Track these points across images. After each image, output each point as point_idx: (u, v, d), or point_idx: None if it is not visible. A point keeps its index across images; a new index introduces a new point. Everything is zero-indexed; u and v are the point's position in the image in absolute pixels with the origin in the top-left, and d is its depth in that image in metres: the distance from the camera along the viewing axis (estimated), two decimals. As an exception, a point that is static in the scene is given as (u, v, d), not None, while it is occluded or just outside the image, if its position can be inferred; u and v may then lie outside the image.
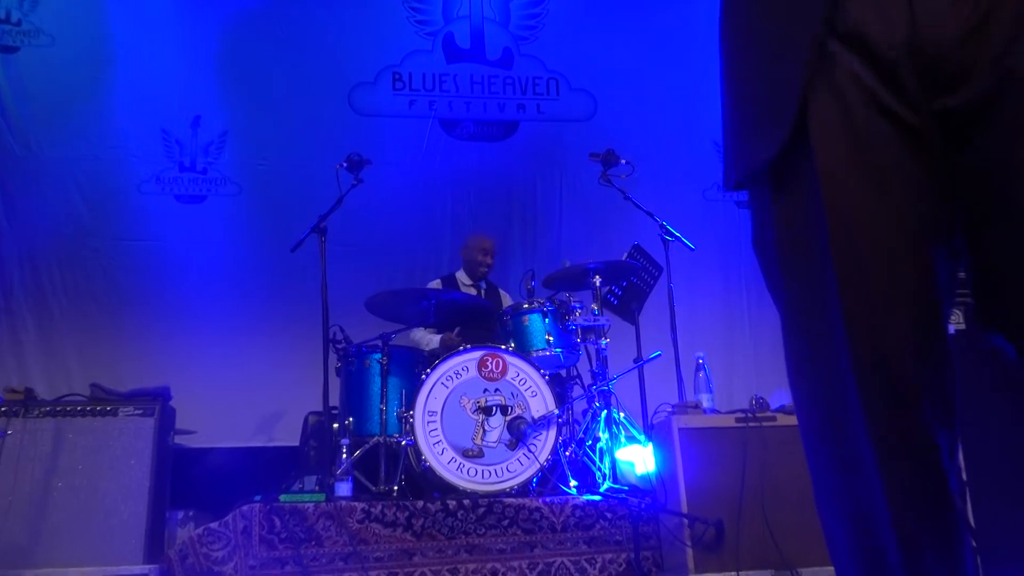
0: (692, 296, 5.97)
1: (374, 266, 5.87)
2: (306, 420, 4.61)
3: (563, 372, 4.55)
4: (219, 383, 5.42)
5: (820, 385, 1.11)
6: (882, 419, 1.05)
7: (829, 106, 1.08)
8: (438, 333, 4.79)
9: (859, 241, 1.06)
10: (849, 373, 1.06)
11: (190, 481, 4.63)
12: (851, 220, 1.06)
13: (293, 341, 5.46)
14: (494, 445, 3.79)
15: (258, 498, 3.36)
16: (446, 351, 4.24)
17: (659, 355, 4.22)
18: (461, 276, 5.25)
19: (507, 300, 5.24)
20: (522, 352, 4.06)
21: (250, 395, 5.47)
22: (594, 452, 3.88)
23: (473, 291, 5.13)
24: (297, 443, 4.63)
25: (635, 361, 4.49)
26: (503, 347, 3.99)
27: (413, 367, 4.20)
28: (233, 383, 5.45)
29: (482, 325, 4.76)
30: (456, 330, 4.71)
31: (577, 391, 4.50)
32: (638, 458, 3.75)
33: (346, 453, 3.78)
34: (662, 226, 4.60)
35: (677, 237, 4.57)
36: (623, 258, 4.52)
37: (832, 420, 1.10)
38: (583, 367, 4.49)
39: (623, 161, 4.60)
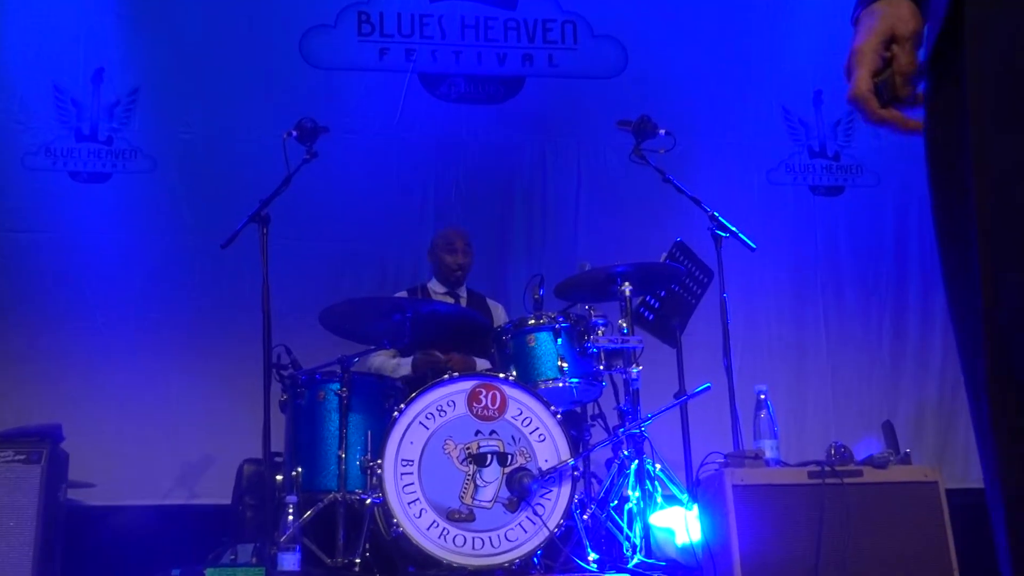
0: (752, 311, 6.00)
1: (332, 268, 5.90)
2: (241, 470, 4.61)
3: (580, 409, 4.56)
4: (126, 421, 5.44)
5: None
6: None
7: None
8: (406, 356, 4.83)
9: (998, 147, 1.26)
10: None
11: (87, 549, 4.63)
12: (992, 122, 1.27)
13: (225, 365, 5.48)
14: (489, 505, 3.78)
15: (176, 573, 3.37)
16: (427, 373, 4.25)
17: (708, 388, 4.23)
18: (434, 286, 5.28)
19: (500, 315, 5.27)
20: (527, 383, 4.07)
21: (168, 437, 5.49)
22: (621, 516, 3.89)
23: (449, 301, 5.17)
24: (228, 500, 4.63)
25: (676, 396, 4.50)
26: (502, 376, 4.02)
27: (382, 401, 4.20)
28: (145, 421, 5.47)
29: (474, 348, 4.79)
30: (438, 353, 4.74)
31: (599, 435, 4.51)
32: (679, 524, 3.75)
33: (293, 514, 3.78)
34: (713, 218, 4.61)
35: (733, 232, 4.58)
36: (661, 259, 4.53)
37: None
38: (607, 403, 4.51)
39: (661, 131, 4.61)
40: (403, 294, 5.20)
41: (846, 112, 6.40)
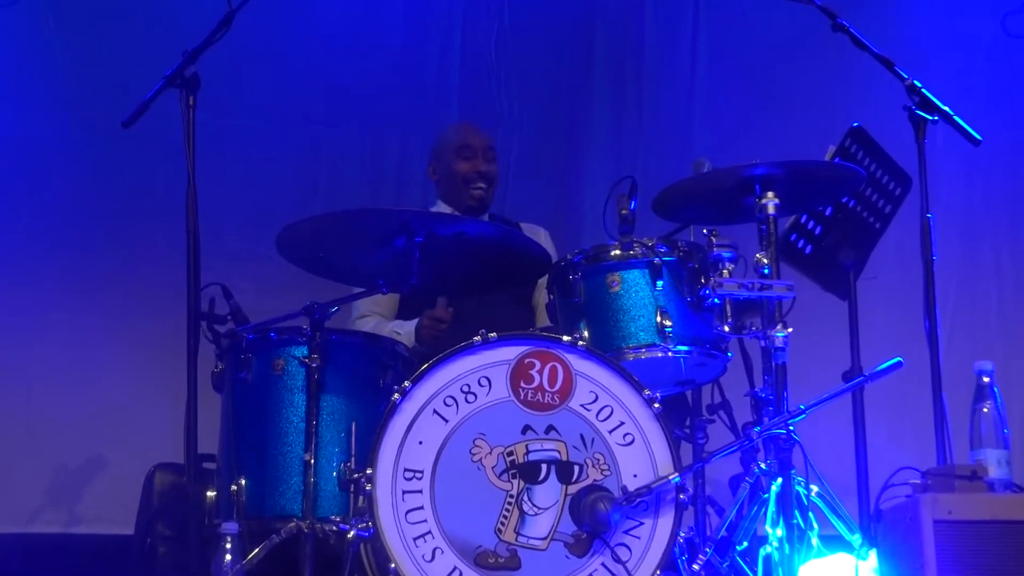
0: (973, 242, 5.96)
1: (297, 166, 5.99)
2: (149, 483, 4.68)
3: (690, 395, 4.60)
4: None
5: None
6: None
7: None
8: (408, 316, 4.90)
9: None
10: None
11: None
12: None
13: (125, 319, 5.57)
14: (542, 545, 3.81)
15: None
16: (438, 346, 4.29)
17: (899, 365, 4.22)
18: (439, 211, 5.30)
19: (551, 250, 5.25)
20: (606, 350, 4.09)
21: (33, 431, 5.61)
22: (753, 565, 3.92)
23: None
24: (130, 529, 4.72)
25: (848, 377, 4.52)
26: (565, 339, 4.04)
27: (375, 375, 4.26)
28: (0, 405, 5.60)
29: (521, 298, 4.80)
30: (445, 303, 4.81)
31: (720, 436, 4.54)
32: (846, 579, 3.79)
33: (232, 551, 3.84)
34: (913, 90, 4.57)
35: (945, 115, 4.54)
36: (827, 156, 4.53)
37: None
38: (733, 383, 4.56)
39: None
40: None
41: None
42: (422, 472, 3.82)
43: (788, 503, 3.91)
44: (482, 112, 5.49)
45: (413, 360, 4.36)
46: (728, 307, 4.16)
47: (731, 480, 4.33)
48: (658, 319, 4.18)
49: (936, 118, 4.55)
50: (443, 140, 5.41)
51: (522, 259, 4.59)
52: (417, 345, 4.78)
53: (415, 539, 3.76)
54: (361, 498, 3.87)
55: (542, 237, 5.36)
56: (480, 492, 3.83)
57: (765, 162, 4.19)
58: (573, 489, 3.86)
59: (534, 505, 3.84)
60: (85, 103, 5.69)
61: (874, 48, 4.63)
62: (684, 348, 4.19)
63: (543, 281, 4.93)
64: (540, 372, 3.94)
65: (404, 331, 4.90)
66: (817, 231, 4.74)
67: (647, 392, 3.96)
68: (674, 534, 3.86)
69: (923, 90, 4.57)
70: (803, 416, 4.03)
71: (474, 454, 3.85)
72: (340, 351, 4.27)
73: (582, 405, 3.93)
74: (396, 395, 3.87)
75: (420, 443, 3.84)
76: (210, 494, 4.19)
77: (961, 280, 5.79)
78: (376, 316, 4.94)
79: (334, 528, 4.01)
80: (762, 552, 3.90)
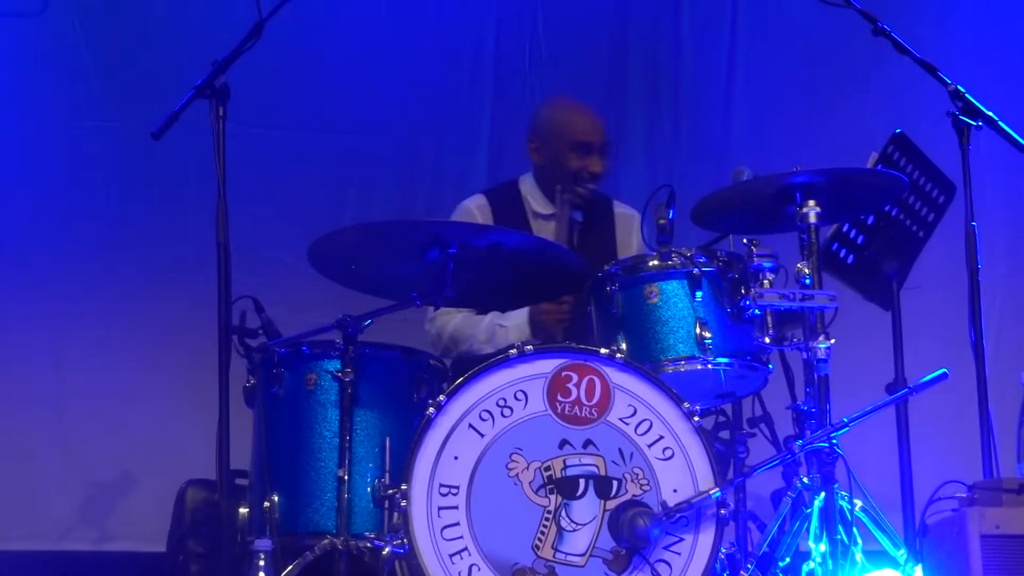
0: (1019, 251, 5.90)
1: (328, 175, 5.97)
2: (181, 499, 4.68)
3: (731, 408, 4.57)
4: (1, 422, 5.57)
5: None
6: None
7: None
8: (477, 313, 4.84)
9: None
10: None
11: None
12: None
13: (155, 332, 5.57)
14: (581, 561, 3.79)
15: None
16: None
17: (944, 377, 4.18)
18: (529, 191, 5.26)
19: (630, 234, 5.23)
20: (644, 363, 4.07)
21: (64, 447, 5.61)
22: (797, 581, 3.89)
23: (553, 231, 5.09)
24: (162, 546, 4.71)
25: (891, 389, 4.48)
26: (603, 352, 4.01)
27: (409, 390, 4.25)
28: (27, 421, 5.60)
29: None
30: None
31: (761, 450, 4.51)
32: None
33: (265, 569, 3.83)
34: (957, 95, 4.54)
35: (990, 121, 4.51)
36: (869, 163, 4.50)
37: None
38: (775, 396, 4.53)
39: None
40: (471, 207, 5.19)
41: None
42: (458, 488, 3.80)
43: (831, 518, 3.88)
44: (516, 120, 5.44)
45: (448, 374, 4.33)
46: (769, 318, 4.13)
47: (773, 495, 4.29)
48: (697, 331, 4.15)
49: (980, 124, 4.52)
50: (554, 124, 5.20)
51: (561, 270, 4.54)
52: (530, 336, 4.71)
53: (451, 556, 3.75)
54: (396, 514, 3.86)
55: (633, 224, 5.27)
56: (517, 508, 3.81)
57: (806, 170, 4.16)
58: (612, 504, 3.84)
59: (572, 521, 3.82)
60: (114, 114, 5.70)
61: (916, 53, 4.60)
62: (724, 360, 4.16)
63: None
64: (577, 385, 3.92)
65: (512, 323, 4.82)
66: (859, 240, 4.71)
67: (687, 405, 3.93)
68: (715, 550, 3.84)
69: (967, 95, 4.53)
70: (846, 429, 4.00)
71: (511, 469, 3.83)
72: (374, 365, 4.26)
73: (620, 419, 3.91)
74: (431, 409, 3.85)
75: (456, 458, 3.82)
76: (243, 511, 4.18)
77: (1007, 289, 5.76)
78: (464, 311, 4.85)
79: (368, 545, 4.00)
80: (805, 568, 3.87)
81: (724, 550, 3.90)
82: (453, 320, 4.88)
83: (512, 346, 3.97)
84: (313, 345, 4.28)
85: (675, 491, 3.86)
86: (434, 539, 3.75)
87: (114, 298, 5.73)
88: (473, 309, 4.83)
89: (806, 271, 4.11)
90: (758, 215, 4.33)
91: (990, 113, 4.52)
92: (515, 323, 4.80)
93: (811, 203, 4.14)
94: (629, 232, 5.23)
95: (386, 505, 3.96)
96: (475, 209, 5.13)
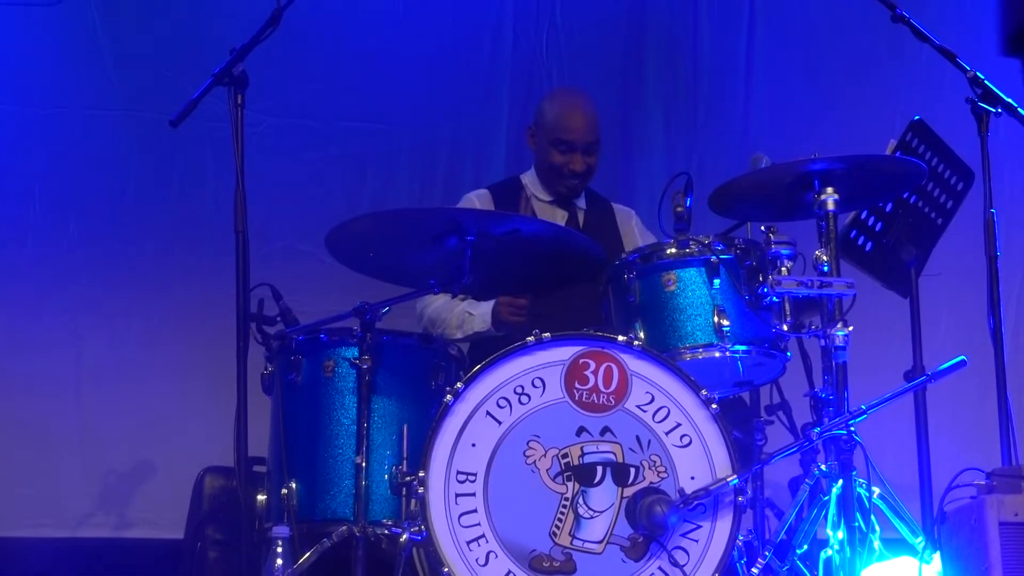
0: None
1: (346, 163, 5.97)
2: (199, 486, 4.70)
3: (749, 395, 4.58)
4: (14, 407, 5.60)
5: None
6: None
7: None
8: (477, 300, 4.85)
9: None
10: None
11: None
12: None
13: (173, 319, 5.59)
14: (598, 548, 3.80)
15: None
16: (515, 331, 4.28)
17: (963, 364, 4.19)
18: (529, 180, 5.30)
19: (632, 230, 5.28)
20: (662, 350, 4.08)
21: (81, 434, 5.63)
22: (814, 569, 3.90)
23: (556, 217, 5.17)
24: (180, 533, 4.74)
25: (910, 376, 4.48)
26: (621, 339, 4.03)
27: (427, 377, 4.25)
28: (43, 407, 5.63)
29: (580, 293, 4.80)
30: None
31: (778, 438, 4.52)
32: (909, 583, 3.75)
33: (283, 556, 3.83)
34: (976, 82, 4.54)
35: (1010, 108, 4.50)
36: (888, 150, 4.50)
37: None
38: (793, 383, 4.54)
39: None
40: (479, 197, 5.22)
41: None
42: (475, 475, 3.81)
43: (849, 505, 3.89)
44: (533, 109, 5.43)
45: (465, 361, 4.35)
46: (787, 306, 4.13)
47: (791, 482, 4.30)
48: (715, 318, 4.16)
49: (1000, 111, 4.51)
50: (545, 118, 5.23)
51: (580, 258, 4.53)
52: (492, 329, 4.74)
53: (468, 543, 3.76)
54: (413, 501, 3.87)
55: (631, 222, 5.34)
56: (534, 495, 3.82)
57: (824, 157, 4.15)
58: (629, 492, 3.85)
59: (589, 508, 3.83)
60: (132, 102, 5.72)
61: (935, 39, 4.60)
62: (742, 348, 4.17)
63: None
64: (595, 373, 3.93)
65: (478, 312, 4.84)
66: (878, 227, 4.70)
67: (704, 393, 3.94)
68: (732, 537, 3.85)
69: (986, 82, 4.53)
70: (864, 416, 4.01)
71: (528, 456, 3.84)
72: (391, 352, 4.27)
73: (638, 406, 3.92)
74: (448, 397, 3.87)
75: (473, 445, 3.83)
76: (260, 498, 4.21)
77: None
78: (440, 299, 4.85)
79: (386, 532, 4.03)
80: (822, 556, 3.89)
81: (742, 537, 3.91)
82: (433, 304, 4.91)
83: (530, 333, 3.96)
84: (331, 332, 4.30)
85: (692, 478, 3.87)
86: (451, 526, 3.77)
87: (132, 286, 5.74)
88: (484, 296, 4.82)
89: (824, 258, 4.11)
90: (776, 202, 4.34)
91: (1009, 100, 4.51)
92: (480, 312, 4.83)
93: (829, 190, 4.14)
94: (630, 226, 5.29)
95: (404, 492, 3.97)
96: (475, 199, 5.19)
